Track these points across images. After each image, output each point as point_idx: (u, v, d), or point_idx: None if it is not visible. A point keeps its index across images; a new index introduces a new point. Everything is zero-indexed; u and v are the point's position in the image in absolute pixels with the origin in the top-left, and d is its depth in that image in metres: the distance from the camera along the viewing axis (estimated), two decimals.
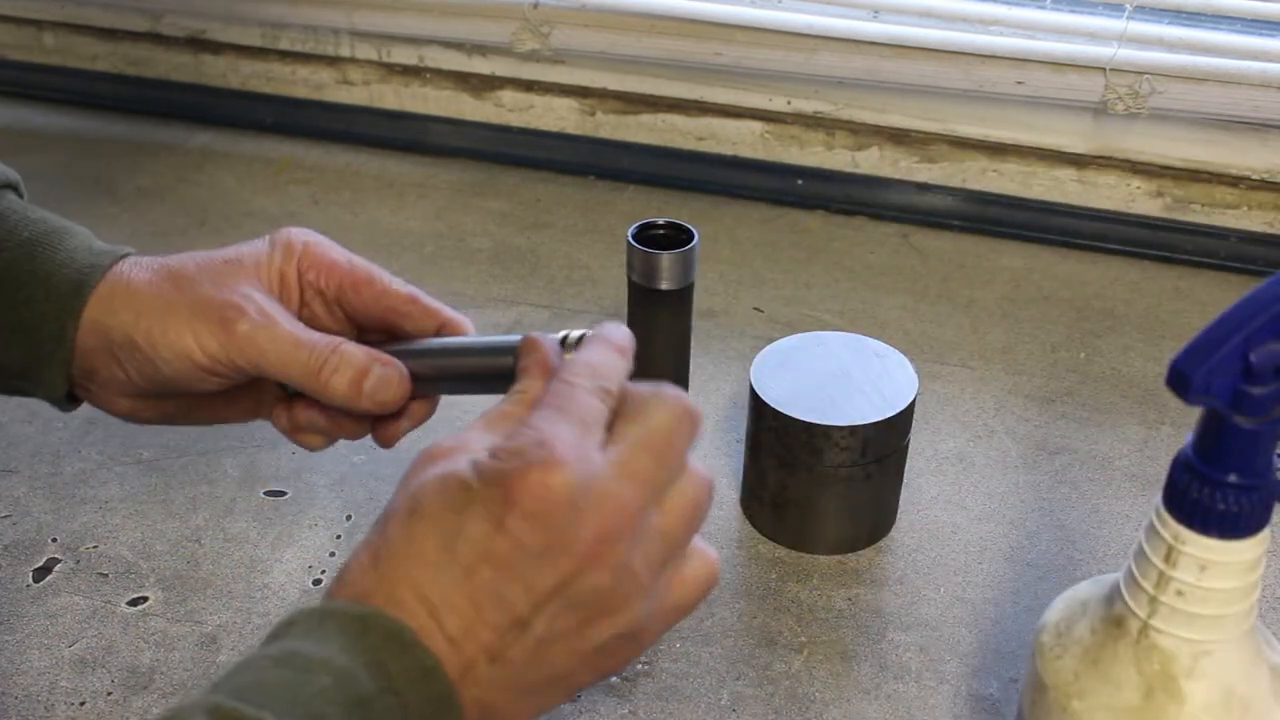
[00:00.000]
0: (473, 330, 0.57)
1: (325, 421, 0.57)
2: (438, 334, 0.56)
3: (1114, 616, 0.48)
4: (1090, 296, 0.93)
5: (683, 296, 0.69)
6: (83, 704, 0.62)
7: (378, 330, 0.57)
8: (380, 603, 0.41)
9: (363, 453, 0.77)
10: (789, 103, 1.01)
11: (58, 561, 0.70)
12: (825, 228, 1.00)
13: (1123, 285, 0.94)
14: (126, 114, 1.16)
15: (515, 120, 1.09)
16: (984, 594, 0.69)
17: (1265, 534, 0.45)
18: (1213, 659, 0.46)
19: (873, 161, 1.01)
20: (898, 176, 1.01)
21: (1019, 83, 0.95)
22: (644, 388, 0.45)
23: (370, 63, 1.10)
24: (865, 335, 0.73)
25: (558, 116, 1.07)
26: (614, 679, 0.64)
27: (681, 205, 1.03)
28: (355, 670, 0.39)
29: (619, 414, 0.44)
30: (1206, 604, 0.45)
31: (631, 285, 0.69)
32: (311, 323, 0.55)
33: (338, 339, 0.54)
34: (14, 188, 0.58)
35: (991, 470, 0.77)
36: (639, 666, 0.65)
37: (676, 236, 0.69)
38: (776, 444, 0.69)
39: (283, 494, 0.75)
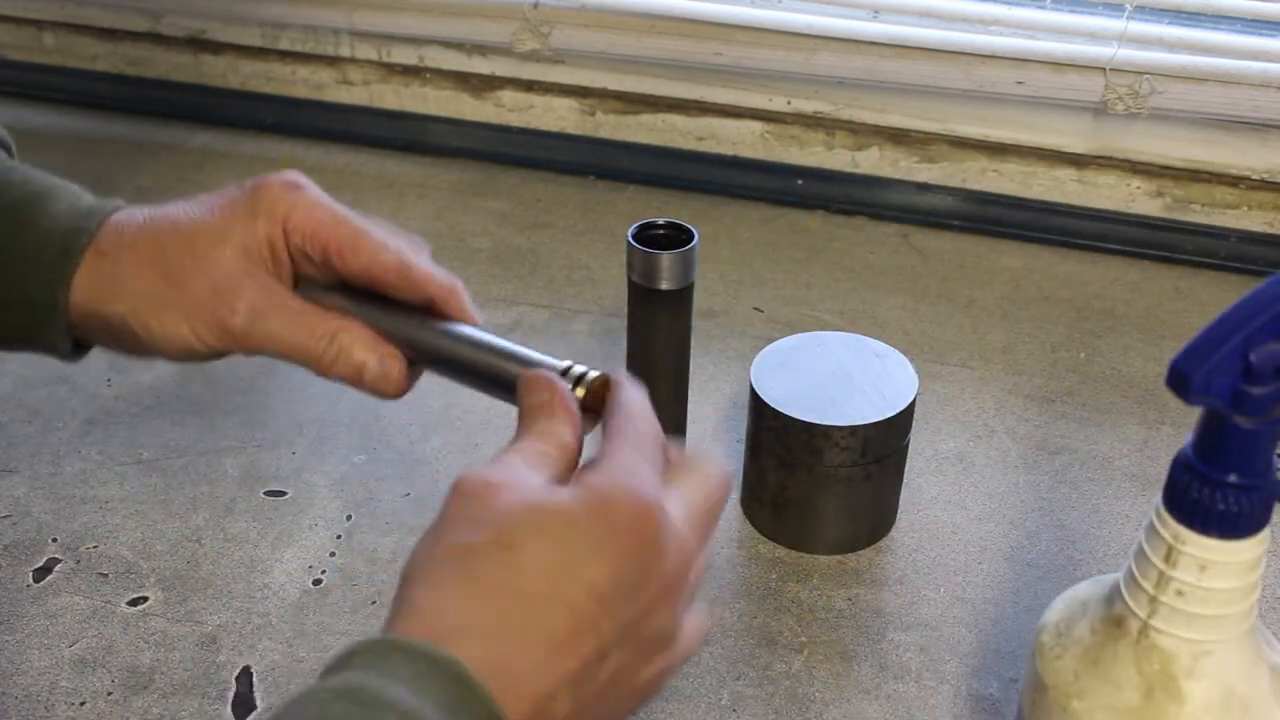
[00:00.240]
0: (463, 299, 0.54)
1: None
2: (431, 307, 0.53)
3: (1114, 616, 0.48)
4: (1090, 296, 0.93)
5: (683, 296, 0.69)
6: (83, 704, 0.62)
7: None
8: (457, 642, 0.39)
9: (363, 453, 0.77)
10: (789, 103, 1.01)
11: (58, 561, 0.70)
12: (825, 228, 1.00)
13: (1123, 285, 0.94)
14: (126, 114, 1.16)
15: (515, 120, 1.09)
16: (984, 594, 0.69)
17: (1265, 534, 0.45)
18: (1213, 659, 0.46)
19: (873, 161, 1.01)
20: (898, 176, 1.01)
21: (1019, 83, 0.95)
22: (685, 447, 0.46)
23: (370, 63, 1.10)
24: (865, 335, 0.73)
25: (558, 116, 1.07)
26: None
27: (681, 205, 1.03)
28: (424, 712, 0.37)
29: (670, 464, 0.45)
30: (1206, 604, 0.45)
31: (631, 285, 0.69)
32: (309, 279, 0.54)
33: (335, 326, 0.52)
34: (4, 147, 0.56)
35: (991, 470, 0.77)
36: None
37: (676, 236, 0.69)
38: (776, 444, 0.69)
39: (283, 494, 0.75)
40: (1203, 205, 0.96)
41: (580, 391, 0.48)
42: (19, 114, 1.15)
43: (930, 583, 0.70)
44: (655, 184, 1.05)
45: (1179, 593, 0.45)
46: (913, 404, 0.69)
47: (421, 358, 0.53)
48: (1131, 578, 0.47)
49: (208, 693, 0.63)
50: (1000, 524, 0.73)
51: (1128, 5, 0.94)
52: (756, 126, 1.03)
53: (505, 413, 0.49)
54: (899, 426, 0.68)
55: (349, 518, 0.73)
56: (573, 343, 0.87)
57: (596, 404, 0.47)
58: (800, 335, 0.73)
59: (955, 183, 1.00)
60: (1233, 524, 0.44)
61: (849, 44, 0.97)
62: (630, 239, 0.68)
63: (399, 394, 0.54)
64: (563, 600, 0.40)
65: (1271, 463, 0.43)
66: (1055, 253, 0.98)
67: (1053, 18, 0.95)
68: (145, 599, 0.68)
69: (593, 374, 0.48)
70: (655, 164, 1.05)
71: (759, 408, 0.69)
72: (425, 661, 0.38)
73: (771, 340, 0.73)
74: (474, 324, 0.53)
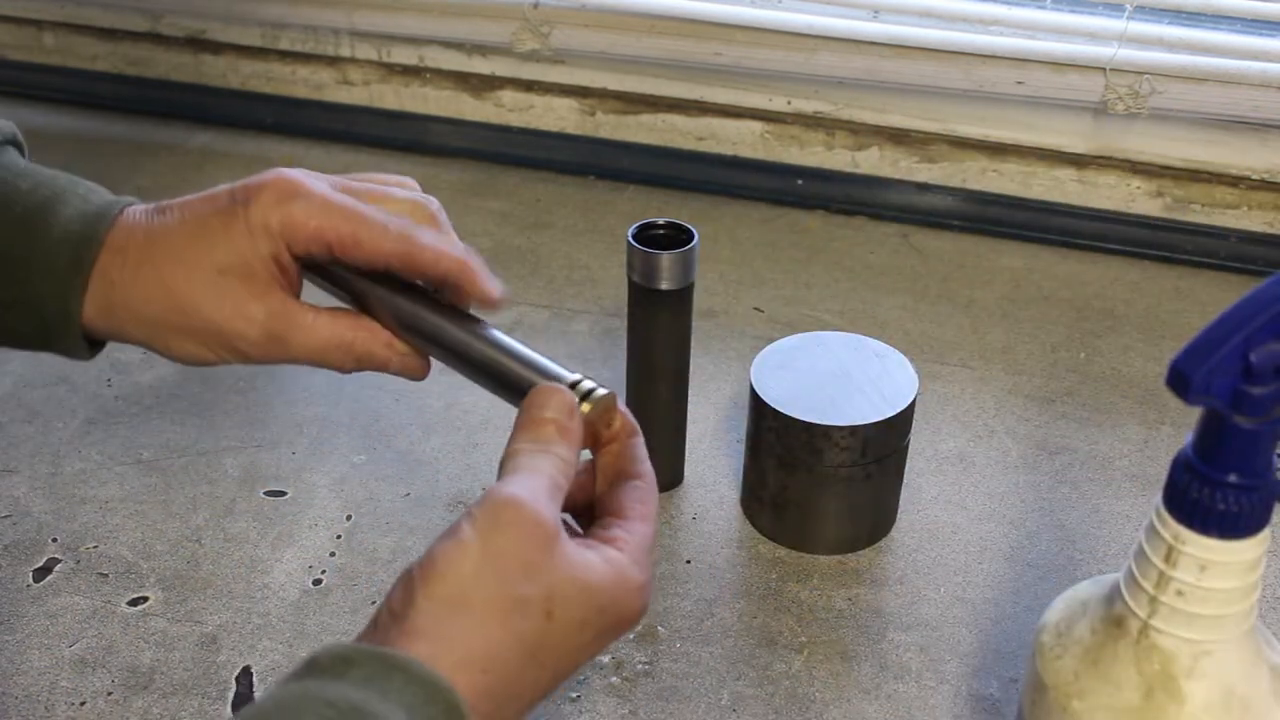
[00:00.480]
0: (476, 274, 0.53)
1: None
2: (444, 281, 0.53)
3: (1114, 616, 0.48)
4: (1090, 296, 0.93)
5: (683, 296, 0.69)
6: (83, 704, 0.62)
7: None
8: (463, 676, 0.41)
9: (363, 453, 0.77)
10: (789, 103, 1.01)
11: (58, 561, 0.70)
12: (825, 228, 1.00)
13: (1123, 285, 0.94)
14: (126, 114, 1.16)
15: (515, 120, 1.09)
16: (984, 594, 0.69)
17: (1265, 534, 0.45)
18: (1213, 659, 0.46)
19: (873, 161, 1.01)
20: (898, 176, 1.01)
21: (1019, 83, 0.95)
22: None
23: (370, 63, 1.10)
24: (865, 335, 0.73)
25: (558, 116, 1.07)
26: (614, 679, 0.64)
27: (681, 205, 1.03)
28: None
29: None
30: (1206, 604, 0.45)
31: (631, 285, 0.69)
32: (322, 268, 0.55)
33: (349, 336, 0.53)
34: (15, 144, 0.56)
35: (991, 470, 0.77)
36: (639, 666, 0.65)
37: (676, 236, 0.69)
38: (776, 444, 0.69)
39: (283, 494, 0.75)
40: (1203, 205, 0.96)
41: (586, 407, 0.48)
42: (19, 114, 1.15)
43: (930, 583, 0.70)
44: (655, 184, 1.05)
45: (1179, 593, 0.45)
46: (913, 404, 0.69)
47: (431, 348, 0.54)
48: (1131, 578, 0.47)
49: (208, 693, 0.63)
50: (1000, 524, 0.73)
51: (1128, 5, 0.94)
52: (756, 126, 1.03)
53: (506, 413, 0.49)
54: (899, 426, 0.68)
55: (349, 518, 0.73)
56: (573, 343, 0.87)
57: (597, 422, 0.49)
58: (800, 335, 0.73)
59: (955, 183, 1.00)
60: (1233, 524, 0.44)
61: (849, 44, 0.97)
62: (630, 239, 0.68)
63: (423, 377, 0.56)
64: (564, 674, 0.44)
65: (1271, 463, 0.43)
66: (1055, 253, 0.98)
67: (1053, 18, 0.95)
68: (145, 599, 0.68)
69: (600, 391, 0.49)
70: (655, 164, 1.05)
71: (759, 408, 0.69)
72: (426, 690, 0.39)
73: (771, 340, 0.73)
74: (490, 295, 0.52)
